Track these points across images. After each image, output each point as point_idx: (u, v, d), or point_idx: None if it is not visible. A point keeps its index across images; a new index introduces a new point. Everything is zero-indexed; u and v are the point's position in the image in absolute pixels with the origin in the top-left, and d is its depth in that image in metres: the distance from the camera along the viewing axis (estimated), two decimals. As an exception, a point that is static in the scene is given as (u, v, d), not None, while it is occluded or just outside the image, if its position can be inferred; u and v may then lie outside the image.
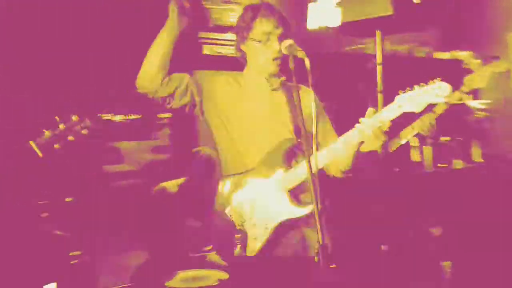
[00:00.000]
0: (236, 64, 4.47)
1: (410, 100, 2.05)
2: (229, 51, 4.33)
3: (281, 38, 2.24)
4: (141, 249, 3.40)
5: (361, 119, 2.12)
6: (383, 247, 3.37)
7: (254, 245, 2.16)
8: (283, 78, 2.39)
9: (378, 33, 3.64)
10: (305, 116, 2.28)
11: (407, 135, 3.47)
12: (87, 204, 3.33)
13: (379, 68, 3.63)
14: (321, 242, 1.74)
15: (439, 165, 5.18)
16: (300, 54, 2.05)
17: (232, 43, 4.28)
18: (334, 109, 3.84)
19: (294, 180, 2.15)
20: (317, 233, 1.73)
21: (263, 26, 2.27)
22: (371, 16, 3.40)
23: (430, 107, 3.24)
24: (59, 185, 3.24)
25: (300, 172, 2.14)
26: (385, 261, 3.62)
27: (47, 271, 2.88)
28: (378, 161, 3.44)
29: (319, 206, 1.79)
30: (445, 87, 2.01)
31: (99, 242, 3.26)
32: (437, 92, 2.02)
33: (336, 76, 4.08)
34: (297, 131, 2.26)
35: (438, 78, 2.03)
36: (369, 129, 2.07)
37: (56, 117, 2.09)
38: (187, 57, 4.60)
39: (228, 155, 2.34)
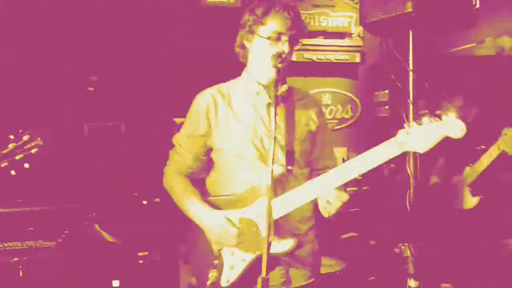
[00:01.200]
0: (324, 71, 4.32)
1: (416, 136, 1.73)
2: (320, 56, 4.18)
3: (292, 41, 2.02)
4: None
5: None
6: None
7: (230, 276, 1.98)
8: (285, 87, 2.13)
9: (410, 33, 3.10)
10: (302, 134, 2.09)
11: (490, 159, 2.96)
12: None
13: (411, 76, 3.14)
14: (263, 275, 1.58)
15: None
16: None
17: (324, 48, 4.19)
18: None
19: (277, 212, 1.91)
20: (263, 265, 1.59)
21: (276, 23, 1.99)
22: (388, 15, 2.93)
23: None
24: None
25: (283, 204, 1.93)
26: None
27: (114, 269, 2.89)
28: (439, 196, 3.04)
29: (269, 238, 1.61)
30: (459, 126, 1.68)
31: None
32: (448, 131, 1.70)
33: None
34: (290, 156, 2.04)
35: (453, 112, 1.70)
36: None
37: (11, 136, 2.08)
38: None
39: (220, 176, 2.15)
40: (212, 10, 3.61)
